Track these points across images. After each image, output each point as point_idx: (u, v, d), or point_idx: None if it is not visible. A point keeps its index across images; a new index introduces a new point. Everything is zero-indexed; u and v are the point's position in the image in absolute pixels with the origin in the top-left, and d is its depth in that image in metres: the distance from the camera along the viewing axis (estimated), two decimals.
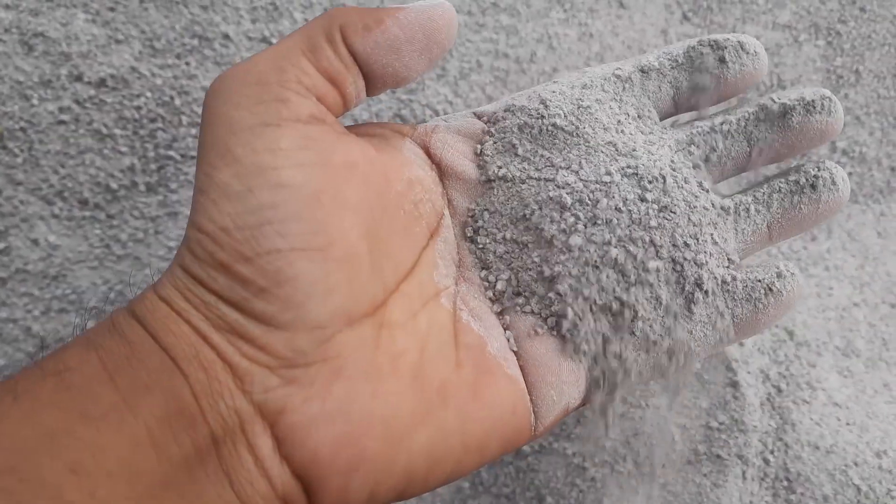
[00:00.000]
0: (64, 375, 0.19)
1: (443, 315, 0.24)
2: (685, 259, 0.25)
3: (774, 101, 0.27)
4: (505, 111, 0.26)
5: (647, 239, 0.25)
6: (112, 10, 0.36)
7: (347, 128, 0.24)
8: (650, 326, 0.25)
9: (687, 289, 0.25)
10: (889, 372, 0.40)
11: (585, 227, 0.24)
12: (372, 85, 0.23)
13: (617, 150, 0.25)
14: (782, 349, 0.39)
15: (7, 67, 0.35)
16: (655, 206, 0.25)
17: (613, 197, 0.25)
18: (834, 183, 0.27)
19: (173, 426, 0.19)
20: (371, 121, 0.37)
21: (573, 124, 0.26)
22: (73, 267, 0.36)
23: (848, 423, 0.38)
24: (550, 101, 0.26)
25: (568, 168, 0.25)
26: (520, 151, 0.26)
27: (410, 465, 0.22)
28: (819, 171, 0.27)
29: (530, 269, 0.25)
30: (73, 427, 0.19)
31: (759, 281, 0.26)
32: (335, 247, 0.21)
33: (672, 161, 0.26)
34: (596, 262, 0.24)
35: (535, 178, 0.25)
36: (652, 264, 0.24)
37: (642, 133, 0.26)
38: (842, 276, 0.42)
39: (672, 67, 0.27)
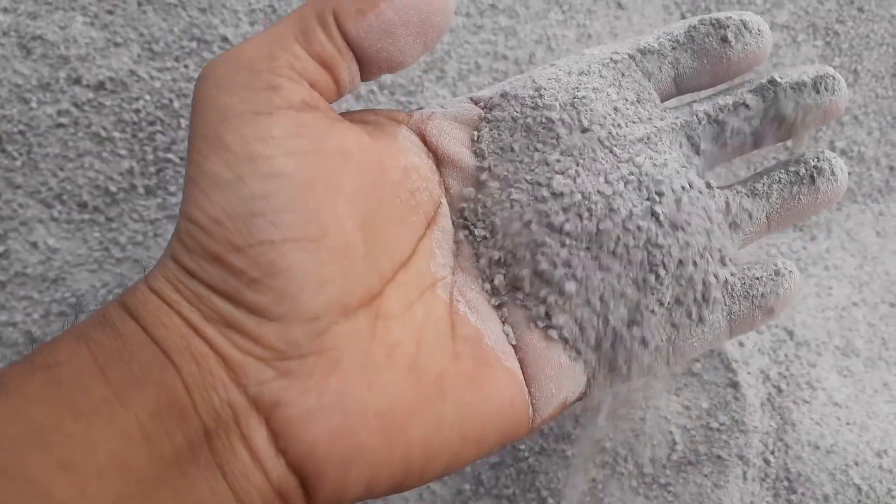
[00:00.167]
0: (53, 369, 0.19)
1: (439, 306, 0.24)
2: (694, 274, 0.25)
3: (777, 81, 0.26)
4: (501, 97, 0.26)
5: (657, 259, 0.24)
6: (110, 13, 0.36)
7: (341, 115, 0.24)
8: (651, 332, 0.25)
9: (696, 299, 0.25)
10: (889, 371, 0.40)
11: (583, 252, 0.24)
12: (366, 70, 0.23)
13: (617, 157, 0.25)
14: (782, 349, 0.39)
15: (5, 70, 0.35)
16: (667, 223, 0.24)
17: (618, 212, 0.24)
18: (833, 173, 0.27)
19: (165, 420, 0.19)
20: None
21: (568, 118, 0.25)
22: (73, 270, 0.36)
23: (848, 423, 0.38)
24: (545, 89, 0.25)
25: (563, 173, 0.24)
26: (515, 147, 0.25)
27: (408, 458, 0.22)
28: (819, 161, 0.27)
29: (528, 268, 0.25)
30: (63, 422, 0.18)
31: (758, 279, 0.26)
32: (329, 236, 0.21)
33: (678, 167, 0.25)
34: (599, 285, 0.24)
35: (528, 181, 0.25)
36: (659, 281, 0.24)
37: (642, 122, 0.26)
38: (841, 275, 0.42)
39: (673, 48, 0.27)
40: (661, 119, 0.26)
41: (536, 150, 0.25)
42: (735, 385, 0.37)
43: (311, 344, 0.21)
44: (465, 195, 0.25)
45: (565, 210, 0.24)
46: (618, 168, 0.25)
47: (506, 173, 0.25)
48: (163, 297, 0.20)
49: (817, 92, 0.26)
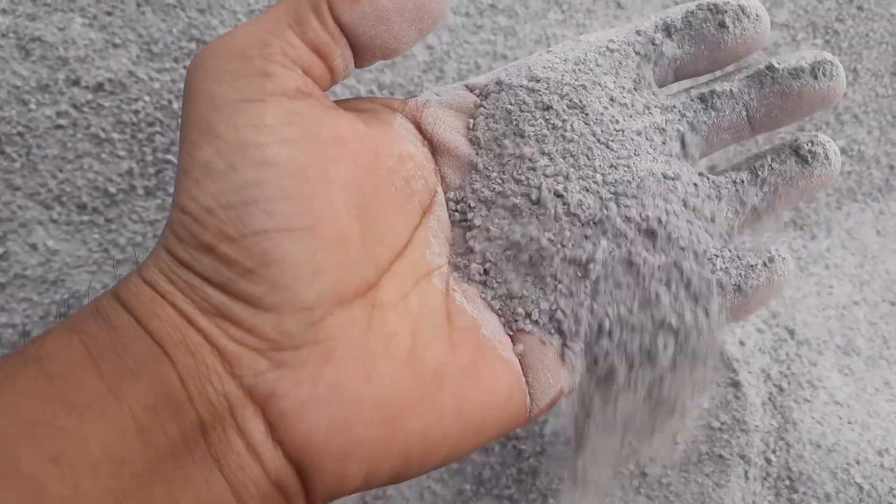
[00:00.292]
0: (45, 362, 0.19)
1: (435, 295, 0.24)
2: (693, 274, 0.25)
3: (775, 67, 0.26)
4: (496, 84, 0.26)
5: (654, 268, 0.24)
6: (109, 14, 0.36)
7: (335, 102, 0.23)
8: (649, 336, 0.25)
9: (693, 293, 0.25)
10: (889, 370, 0.40)
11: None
12: (360, 57, 0.23)
13: (614, 153, 0.25)
14: (783, 348, 0.39)
15: (4, 72, 0.35)
16: (664, 239, 0.24)
17: (609, 212, 0.24)
18: (827, 157, 0.26)
19: (160, 413, 0.19)
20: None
21: (563, 112, 0.25)
22: (72, 271, 0.36)
23: (849, 422, 0.37)
24: (540, 79, 0.25)
25: (554, 178, 0.24)
26: (509, 137, 0.25)
27: (407, 449, 0.22)
28: (813, 145, 0.26)
29: (521, 272, 0.25)
30: (55, 416, 0.18)
31: (752, 267, 0.26)
32: (324, 226, 0.21)
33: (671, 161, 0.26)
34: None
35: (518, 181, 0.24)
36: (657, 288, 0.24)
37: (639, 114, 0.26)
38: (841, 274, 0.42)
39: (670, 33, 0.26)
40: (658, 106, 0.26)
41: (529, 146, 0.25)
42: (736, 384, 0.37)
43: (306, 334, 0.20)
44: (461, 184, 0.25)
45: (552, 236, 0.24)
46: (613, 167, 0.25)
47: (500, 163, 0.25)
48: (156, 289, 0.20)
49: (815, 78, 0.26)
